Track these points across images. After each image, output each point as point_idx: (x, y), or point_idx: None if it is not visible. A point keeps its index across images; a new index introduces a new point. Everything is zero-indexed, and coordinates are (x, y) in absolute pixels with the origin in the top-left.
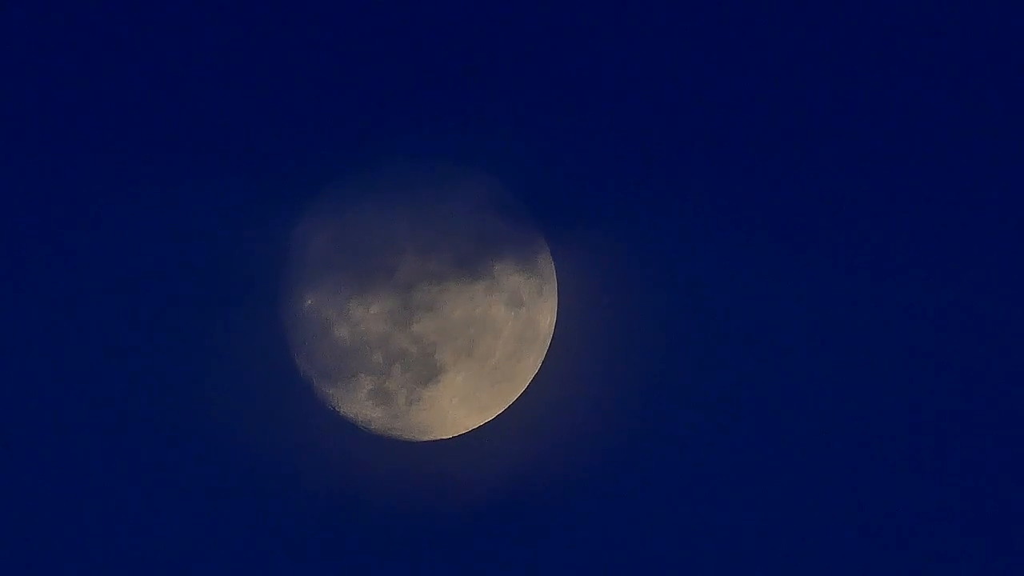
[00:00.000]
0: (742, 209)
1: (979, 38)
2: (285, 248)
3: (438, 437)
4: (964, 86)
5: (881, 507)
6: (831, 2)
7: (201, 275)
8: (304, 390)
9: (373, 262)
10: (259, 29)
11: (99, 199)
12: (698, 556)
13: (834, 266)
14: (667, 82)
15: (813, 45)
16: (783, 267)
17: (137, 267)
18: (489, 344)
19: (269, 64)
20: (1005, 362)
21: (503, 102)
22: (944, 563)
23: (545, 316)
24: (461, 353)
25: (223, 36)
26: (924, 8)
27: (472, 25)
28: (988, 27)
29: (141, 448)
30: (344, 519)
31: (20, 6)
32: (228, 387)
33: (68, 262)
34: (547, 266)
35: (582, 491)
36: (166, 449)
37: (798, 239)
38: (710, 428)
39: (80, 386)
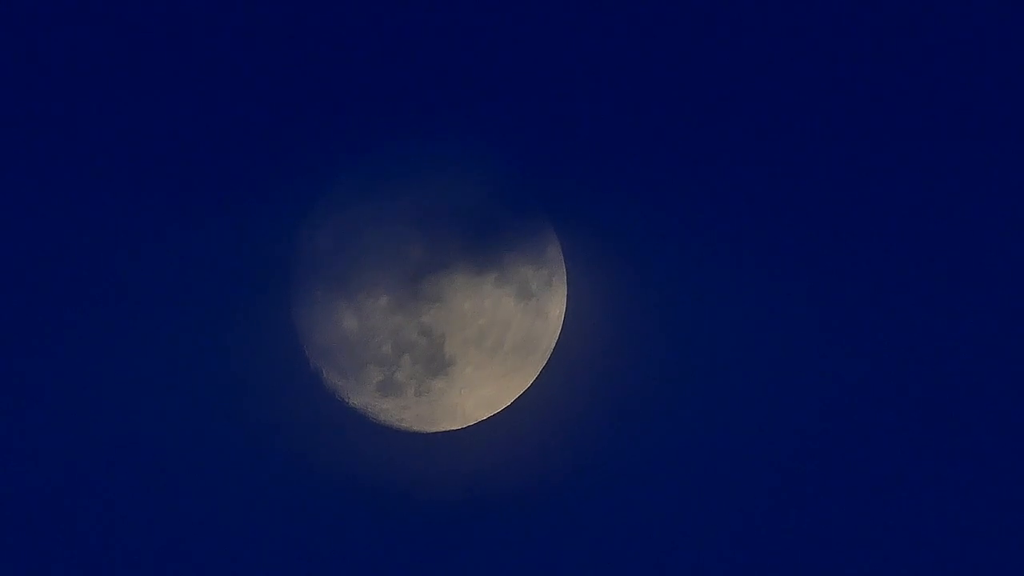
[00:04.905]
0: (754, 201)
1: (973, 49)
2: (294, 240)
3: (447, 428)
4: (960, 89)
5: (885, 513)
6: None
7: (210, 269)
8: (313, 381)
9: (382, 254)
10: (265, 26)
11: (108, 199)
12: (707, 549)
13: (850, 260)
14: (677, 74)
15: (835, 39)
16: (794, 262)
17: (142, 264)
18: (498, 335)
19: (275, 61)
20: (1004, 366)
21: (511, 93)
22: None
23: (554, 307)
24: (470, 344)
25: (229, 37)
26: (920, 11)
27: (482, 15)
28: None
29: (150, 439)
30: (352, 509)
31: (20, 7)
32: (238, 379)
33: (80, 261)
34: (556, 257)
35: (591, 483)
36: (174, 441)
37: (809, 233)
38: (721, 421)
39: (86, 380)
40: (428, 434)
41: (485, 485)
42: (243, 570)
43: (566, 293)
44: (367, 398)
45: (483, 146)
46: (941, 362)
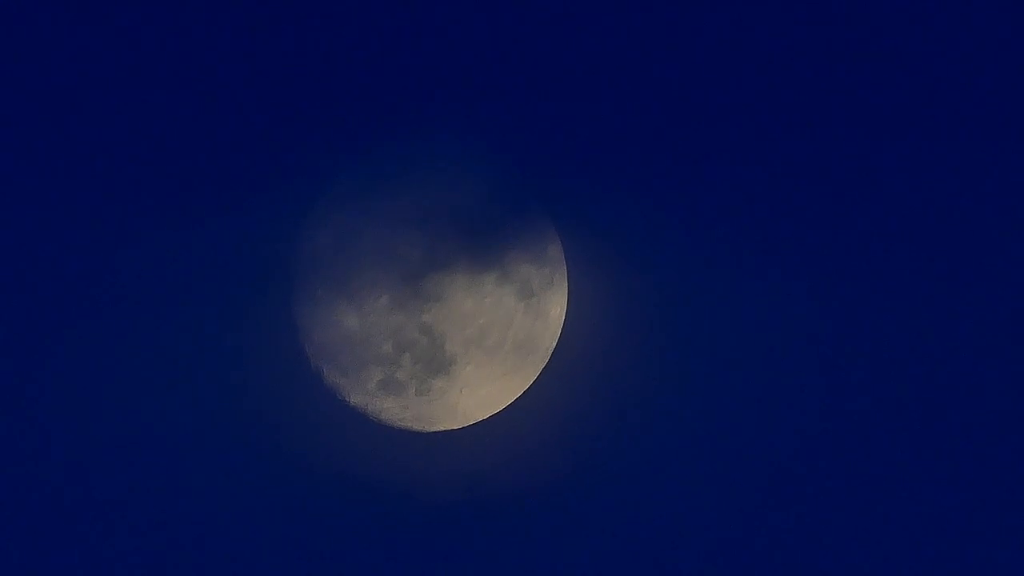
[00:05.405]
0: (755, 201)
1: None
2: (295, 240)
3: (448, 427)
4: (960, 89)
5: (885, 513)
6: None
7: (210, 269)
8: (314, 380)
9: (383, 253)
10: (265, 26)
11: (108, 199)
12: (707, 549)
13: (850, 260)
14: (678, 74)
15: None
16: (794, 262)
17: (142, 264)
18: (499, 334)
19: (275, 61)
20: (1004, 365)
21: (511, 93)
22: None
23: (555, 306)
24: (471, 344)
25: (229, 36)
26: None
27: (482, 15)
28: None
29: (150, 438)
30: (352, 509)
31: (20, 7)
32: (239, 378)
33: (80, 261)
34: (557, 256)
35: (591, 483)
36: (175, 440)
37: (810, 233)
38: (721, 421)
39: (86, 379)
40: (428, 433)
41: (485, 485)
42: (243, 570)
43: (567, 292)
44: (368, 397)
45: (483, 146)
46: (941, 362)
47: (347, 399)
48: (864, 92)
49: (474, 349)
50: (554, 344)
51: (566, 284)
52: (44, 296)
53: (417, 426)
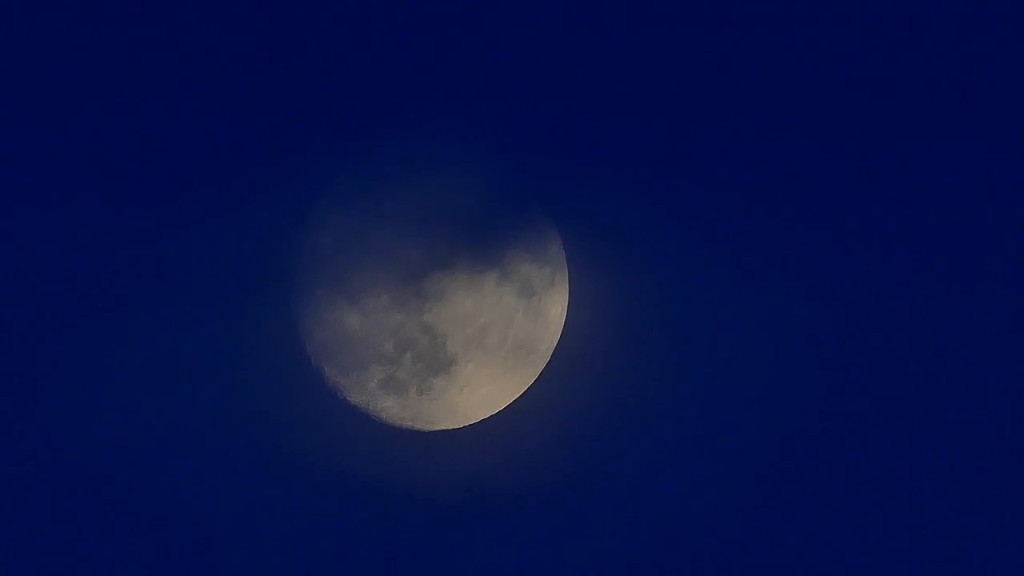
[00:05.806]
0: (757, 201)
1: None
2: (296, 239)
3: (448, 427)
4: (959, 88)
5: (885, 515)
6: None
7: (211, 268)
8: (315, 379)
9: (383, 253)
10: (264, 25)
11: (108, 199)
12: (707, 550)
13: (851, 260)
14: (680, 73)
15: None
16: (795, 262)
17: (143, 264)
18: (500, 334)
19: (275, 61)
20: (1004, 366)
21: (512, 91)
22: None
23: (556, 305)
24: (471, 343)
25: (228, 36)
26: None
27: (482, 15)
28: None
29: (151, 438)
30: (353, 508)
31: (20, 7)
32: (239, 377)
33: (81, 261)
34: (558, 256)
35: (591, 483)
36: (175, 439)
37: (811, 233)
38: (721, 421)
39: (86, 378)
40: (429, 432)
41: (485, 485)
42: (243, 570)
43: (568, 292)
44: (368, 396)
45: (483, 146)
46: (941, 362)
47: (348, 398)
48: (864, 92)
49: (474, 348)
50: (554, 344)
51: (567, 284)
52: (44, 296)
53: (417, 425)
